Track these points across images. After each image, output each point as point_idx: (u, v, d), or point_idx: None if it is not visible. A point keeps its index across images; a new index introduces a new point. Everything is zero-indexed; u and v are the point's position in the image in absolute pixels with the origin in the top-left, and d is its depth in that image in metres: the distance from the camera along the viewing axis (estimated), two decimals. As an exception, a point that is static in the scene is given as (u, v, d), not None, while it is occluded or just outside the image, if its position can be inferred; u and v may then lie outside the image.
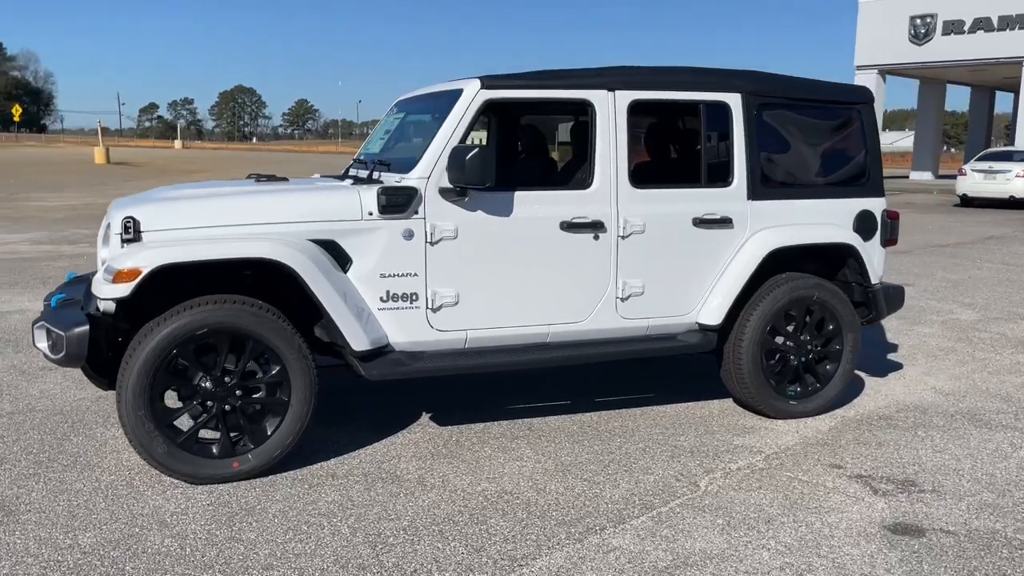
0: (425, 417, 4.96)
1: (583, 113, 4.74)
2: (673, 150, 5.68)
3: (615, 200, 4.61)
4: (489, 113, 4.71)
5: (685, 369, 6.13)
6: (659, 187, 4.76)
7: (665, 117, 5.59)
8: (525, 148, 5.72)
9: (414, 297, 4.30)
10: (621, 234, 4.62)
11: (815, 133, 5.20)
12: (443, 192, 4.26)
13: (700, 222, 4.77)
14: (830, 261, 5.37)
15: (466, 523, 3.57)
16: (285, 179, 4.85)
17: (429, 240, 4.27)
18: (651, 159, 5.50)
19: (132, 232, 3.90)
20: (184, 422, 3.95)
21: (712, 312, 4.86)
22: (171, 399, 3.94)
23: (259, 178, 4.83)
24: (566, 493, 3.91)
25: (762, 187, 4.93)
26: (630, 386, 5.71)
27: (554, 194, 4.59)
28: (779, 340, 5.06)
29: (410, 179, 4.29)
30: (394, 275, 4.25)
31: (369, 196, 4.18)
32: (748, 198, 4.89)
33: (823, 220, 5.11)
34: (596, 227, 4.56)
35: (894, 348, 7.03)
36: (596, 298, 4.64)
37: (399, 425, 4.81)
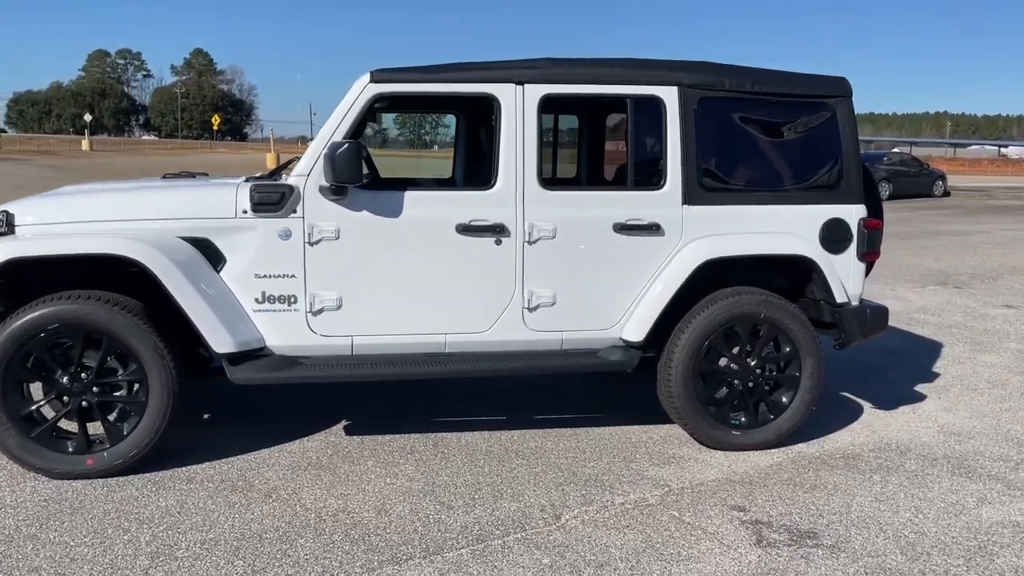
0: (336, 426, 4.78)
1: (487, 109, 4.41)
2: (593, 150, 5.23)
3: (520, 202, 4.26)
4: (385, 109, 4.50)
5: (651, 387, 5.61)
6: (574, 189, 4.37)
7: (585, 113, 5.17)
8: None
9: (292, 299, 4.14)
10: (527, 239, 4.26)
11: (775, 131, 4.61)
12: (323, 191, 4.08)
13: (623, 228, 4.32)
14: (798, 276, 4.75)
15: (271, 541, 3.35)
16: (192, 176, 4.83)
17: (308, 240, 4.10)
18: (566, 159, 5.06)
19: (5, 226, 3.97)
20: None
21: (635, 327, 4.39)
22: (38, 391, 3.97)
23: (167, 175, 4.82)
24: (407, 517, 3.61)
25: (702, 191, 4.41)
26: (583, 403, 5.28)
27: (451, 195, 4.30)
28: (721, 362, 4.50)
29: (290, 177, 4.14)
30: (270, 276, 4.11)
31: (244, 193, 4.06)
32: (683, 203, 4.39)
33: (779, 228, 4.51)
34: (497, 231, 4.23)
35: (933, 376, 6.17)
36: (499, 308, 4.30)
37: (301, 431, 4.66)
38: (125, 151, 60.07)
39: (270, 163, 43.12)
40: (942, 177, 30.32)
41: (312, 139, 4.29)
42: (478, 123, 5.51)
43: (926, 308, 8.87)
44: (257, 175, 4.62)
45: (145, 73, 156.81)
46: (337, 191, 4.07)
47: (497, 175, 4.26)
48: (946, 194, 30.02)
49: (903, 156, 31.85)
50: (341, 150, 3.93)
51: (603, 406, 5.25)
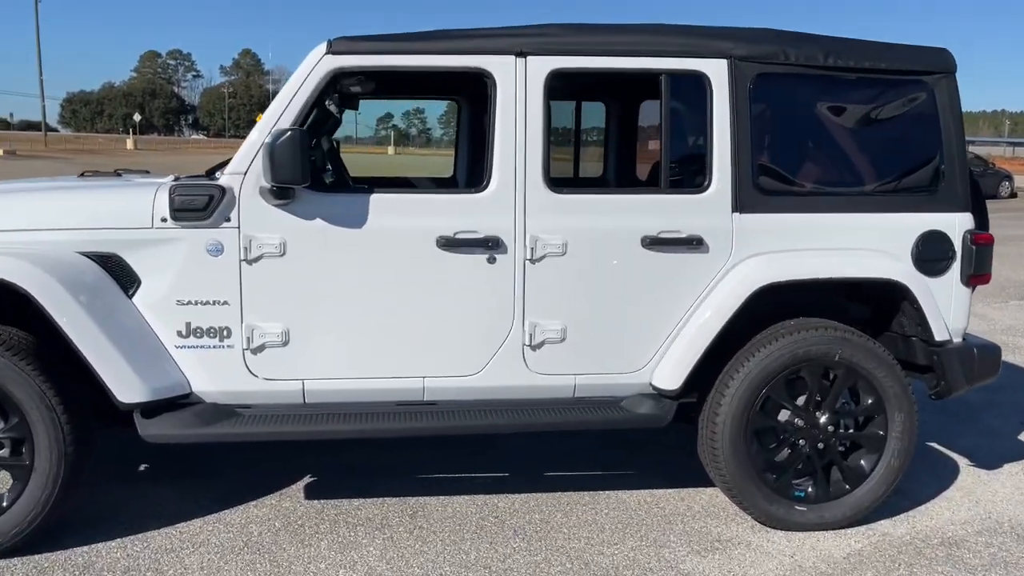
0: (295, 484, 3.85)
1: (479, 89, 3.44)
2: (618, 143, 4.22)
3: (521, 209, 3.29)
4: (345, 91, 3.57)
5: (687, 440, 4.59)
6: (591, 192, 3.39)
7: (605, 95, 4.16)
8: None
9: (225, 332, 3.22)
10: (530, 256, 3.29)
11: (854, 117, 3.57)
12: (264, 193, 3.16)
13: (655, 242, 3.33)
14: (883, 305, 3.70)
15: (155, 677, 2.42)
16: (118, 175, 3.94)
17: (245, 257, 3.18)
18: (586, 157, 4.07)
19: None
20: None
21: (670, 370, 3.38)
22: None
23: (86, 174, 3.94)
24: (353, 635, 2.66)
25: (757, 194, 3.39)
26: (604, 454, 4.29)
27: (431, 199, 3.34)
28: (781, 416, 3.47)
29: (222, 176, 3.22)
30: (197, 302, 3.20)
31: (163, 197, 3.16)
32: (734, 209, 3.38)
33: (858, 244, 3.47)
34: (491, 245, 3.26)
35: (1038, 424, 5.04)
36: (493, 344, 3.34)
37: (250, 491, 3.74)
38: (168, 150, 60.35)
39: (309, 162, 42.41)
40: (1009, 177, 28.46)
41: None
42: (476, 110, 4.56)
43: (1013, 328, 7.68)
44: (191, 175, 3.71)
45: (195, 74, 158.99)
46: (281, 194, 3.14)
47: (491, 174, 3.29)
48: (1012, 195, 28.20)
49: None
50: (282, 140, 3.00)
51: (628, 460, 4.25)
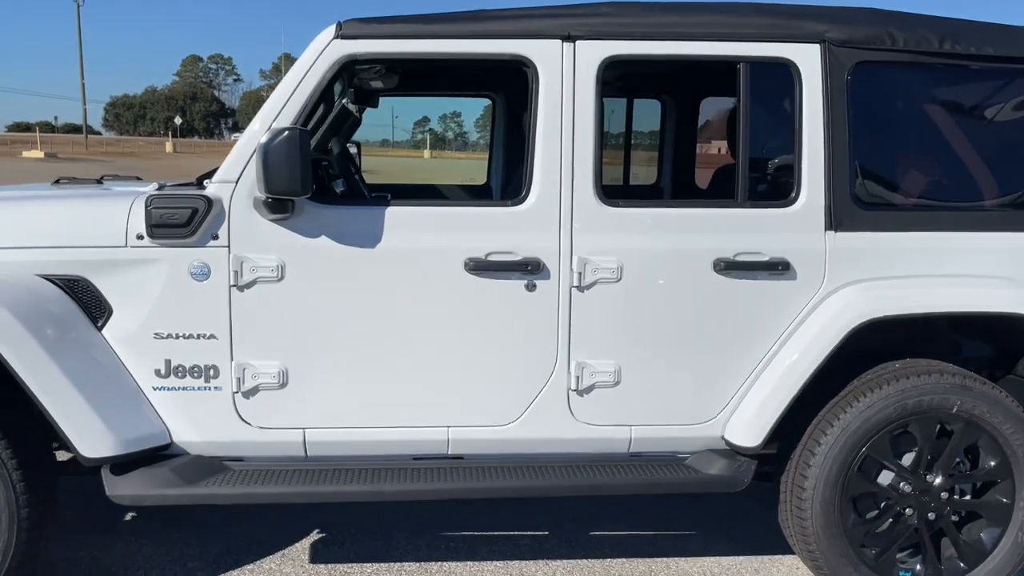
0: (296, 544, 3.31)
1: (518, 82, 2.87)
2: (674, 145, 3.63)
3: (567, 225, 2.71)
4: (362, 84, 3.03)
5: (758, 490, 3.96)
6: (651, 205, 2.80)
7: (663, 89, 3.55)
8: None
9: (211, 372, 2.69)
10: (577, 283, 2.71)
11: (976, 115, 2.95)
12: (259, 206, 2.62)
13: (730, 266, 2.73)
14: (1005, 343, 3.06)
15: None
16: (99, 182, 3.43)
17: (235, 282, 2.64)
18: (660, 155, 3.48)
19: None
20: None
21: (748, 423, 2.78)
22: None
23: (61, 180, 3.43)
24: None
25: (856, 208, 2.78)
26: (660, 514, 3.68)
27: (458, 213, 2.77)
28: (883, 480, 2.85)
29: (210, 185, 2.69)
30: (178, 336, 2.67)
31: (139, 210, 2.64)
32: (828, 227, 2.77)
33: (980, 269, 2.83)
34: (530, 269, 2.69)
35: None
36: (532, 388, 2.76)
37: (240, 554, 3.20)
38: (207, 153, 60.66)
39: (345, 166, 42.34)
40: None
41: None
42: (514, 107, 3.99)
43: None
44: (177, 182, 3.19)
45: (235, 78, 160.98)
46: (278, 207, 2.60)
47: (531, 183, 2.72)
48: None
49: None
50: (277, 141, 2.46)
51: (690, 518, 3.64)
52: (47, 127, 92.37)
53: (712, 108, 4.22)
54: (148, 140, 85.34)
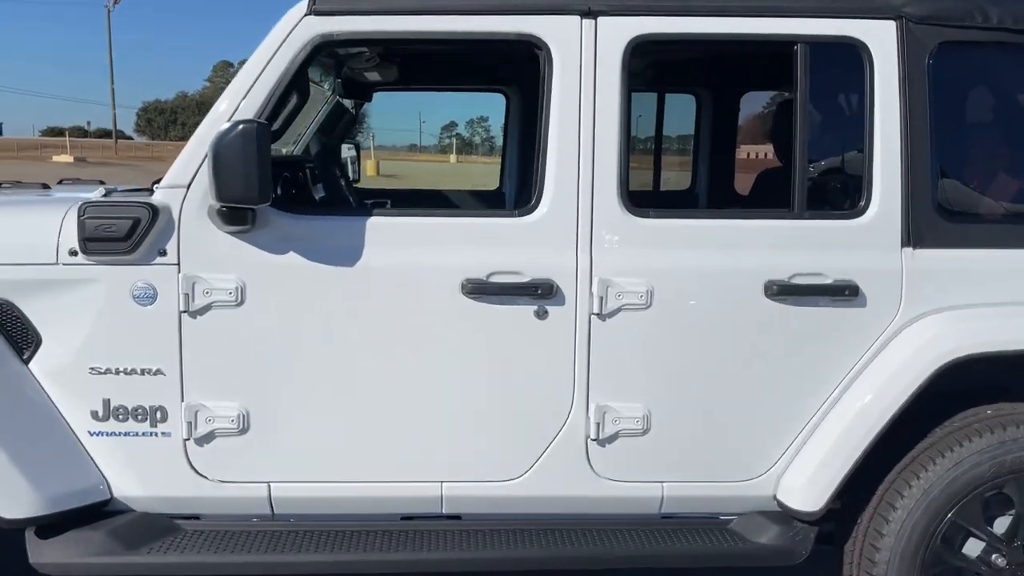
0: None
1: (528, 67, 2.40)
2: (710, 145, 3.14)
3: (586, 239, 2.24)
4: (348, 74, 2.58)
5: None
6: (689, 216, 2.32)
7: (698, 80, 3.07)
8: None
9: (158, 414, 2.25)
10: (598, 309, 2.23)
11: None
12: (214, 216, 2.18)
13: (785, 290, 2.23)
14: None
15: None
16: (46, 188, 3.01)
17: (186, 307, 2.20)
18: (695, 157, 3.00)
19: None
20: None
21: (808, 482, 2.28)
22: None
23: (2, 185, 3.02)
24: None
25: (940, 220, 2.27)
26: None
27: (457, 225, 2.30)
28: (971, 551, 2.33)
29: (157, 191, 2.25)
30: (118, 371, 2.23)
31: (72, 222, 2.20)
32: (905, 242, 2.26)
33: (1094, 295, 2.31)
34: (541, 293, 2.21)
35: None
36: (542, 436, 2.29)
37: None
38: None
39: (369, 170, 42.26)
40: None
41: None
42: (528, 101, 3.52)
43: None
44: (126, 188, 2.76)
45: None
46: (235, 217, 2.15)
47: (542, 188, 2.25)
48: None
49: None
50: (230, 138, 2.02)
51: None
52: (80, 132, 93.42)
53: (756, 102, 3.74)
54: (178, 144, 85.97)
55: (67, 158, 41.90)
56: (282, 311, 2.22)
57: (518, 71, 3.45)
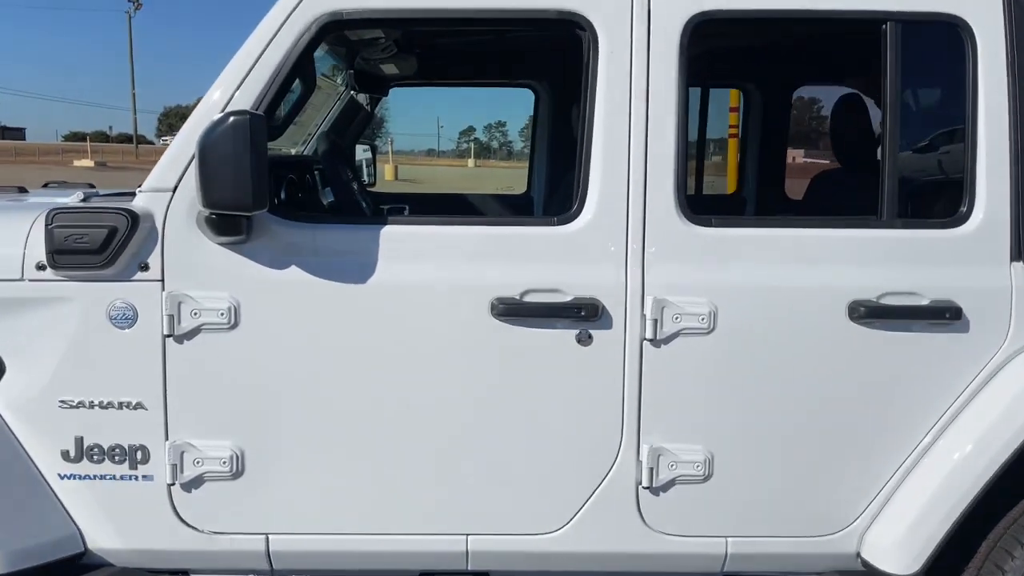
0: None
1: (566, 60, 2.08)
2: (759, 144, 2.83)
3: (637, 252, 1.91)
4: (362, 64, 2.26)
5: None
6: (758, 224, 1.97)
7: (763, 66, 2.74)
8: None
9: (139, 455, 1.93)
10: (651, 335, 1.89)
11: None
12: (203, 225, 1.86)
13: (873, 313, 1.89)
14: None
15: None
16: (23, 191, 2.71)
17: (171, 330, 1.88)
18: (741, 158, 2.69)
19: None
20: None
21: (903, 542, 1.93)
22: None
23: None
24: None
25: (1058, 228, 1.92)
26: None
27: (487, 235, 1.97)
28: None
29: (138, 195, 1.94)
30: (92, 405, 1.92)
31: (39, 231, 1.89)
32: (1015, 256, 1.92)
33: None
34: (584, 315, 1.88)
35: None
36: (585, 481, 1.96)
37: None
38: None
39: (387, 174, 42.11)
40: None
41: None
42: (561, 95, 3.20)
43: None
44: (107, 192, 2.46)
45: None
46: (228, 225, 1.84)
47: (586, 193, 1.92)
48: None
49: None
50: (219, 132, 1.71)
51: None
52: (102, 137, 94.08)
53: (810, 98, 3.39)
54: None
55: (88, 163, 42.10)
56: (283, 335, 1.90)
57: (549, 62, 3.13)
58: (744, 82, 3.42)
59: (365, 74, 2.87)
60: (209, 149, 1.70)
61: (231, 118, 1.70)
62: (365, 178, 3.66)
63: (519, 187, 4.26)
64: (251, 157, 1.70)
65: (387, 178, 41.20)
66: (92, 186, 2.91)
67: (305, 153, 3.09)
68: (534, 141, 3.64)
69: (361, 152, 3.64)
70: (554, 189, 3.35)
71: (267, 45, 1.88)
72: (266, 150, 1.74)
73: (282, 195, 2.35)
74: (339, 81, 3.03)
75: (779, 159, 3.44)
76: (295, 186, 2.42)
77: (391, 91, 3.45)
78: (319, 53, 2.81)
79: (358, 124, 3.23)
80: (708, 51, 2.93)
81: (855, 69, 3.04)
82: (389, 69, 2.88)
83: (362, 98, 3.25)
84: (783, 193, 3.45)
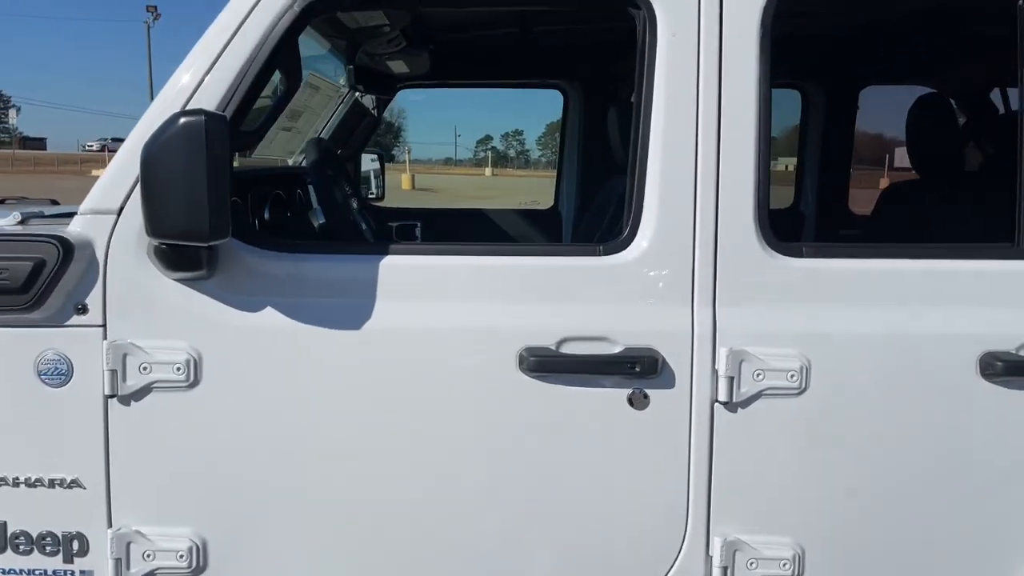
0: None
1: (601, 56, 1.68)
2: (840, 149, 2.42)
3: (706, 288, 1.49)
4: (363, 59, 1.85)
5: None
6: (863, 254, 1.54)
7: (830, 62, 2.35)
8: None
9: (75, 544, 1.54)
10: (726, 396, 1.47)
11: None
12: (154, 256, 1.46)
13: (1013, 369, 1.46)
14: None
15: None
16: None
17: (115, 389, 1.49)
18: (799, 168, 2.31)
19: None
20: None
21: (1042, 658, 1.50)
22: None
23: None
24: None
25: None
26: None
27: (507, 267, 1.56)
28: None
29: (76, 217, 1.55)
30: (18, 481, 1.53)
31: (-48, 263, 1.50)
32: None
33: None
34: (640, 370, 1.47)
35: None
36: (640, 580, 1.53)
37: None
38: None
39: (404, 184, 41.91)
40: None
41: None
42: (597, 95, 2.78)
43: None
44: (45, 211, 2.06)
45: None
46: (183, 258, 1.43)
47: (639, 214, 1.51)
48: None
49: None
50: (168, 138, 1.31)
51: None
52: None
53: (877, 101, 2.97)
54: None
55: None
56: (256, 396, 1.50)
57: (582, 57, 2.72)
58: (805, 80, 3.00)
59: (369, 72, 2.47)
60: (154, 162, 1.30)
61: (181, 120, 1.30)
62: (373, 191, 3.27)
63: (543, 199, 3.86)
64: (208, 171, 1.30)
65: (404, 187, 41.01)
66: (56, 202, 2.52)
67: (303, 164, 2.70)
68: (562, 149, 3.22)
69: (369, 162, 3.25)
70: (586, 203, 2.93)
71: (236, 31, 1.49)
72: (229, 161, 1.35)
73: (265, 216, 1.95)
74: (341, 82, 2.63)
75: (843, 169, 3.02)
76: (282, 205, 2.02)
77: (402, 94, 3.07)
78: (318, 50, 2.42)
79: (363, 130, 2.84)
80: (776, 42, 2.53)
81: (940, 64, 2.62)
82: (397, 66, 2.49)
83: (368, 101, 2.85)
84: (847, 208, 3.02)
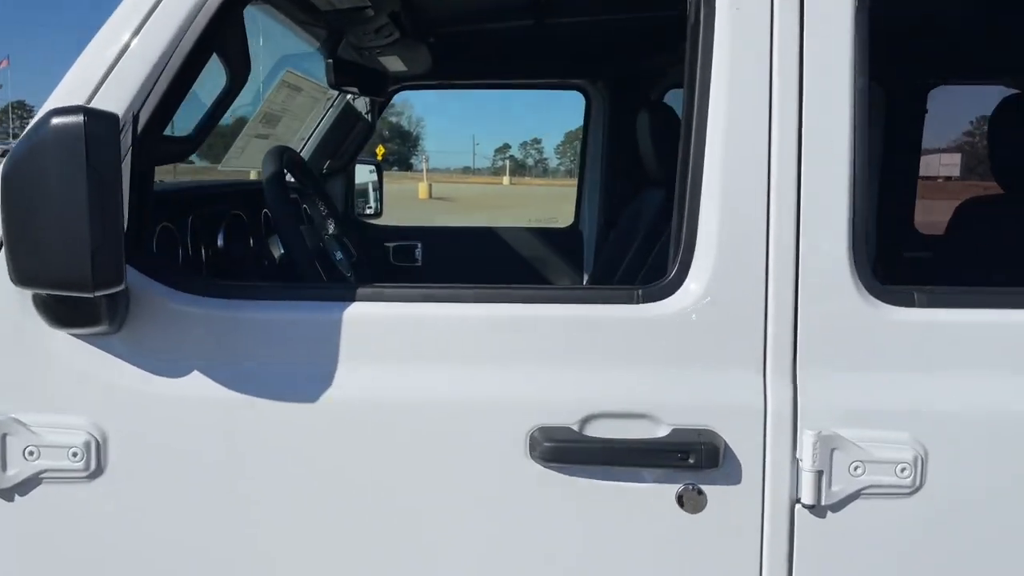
0: None
1: (632, 50, 1.33)
2: (905, 157, 2.11)
3: (785, 347, 1.09)
4: (329, 42, 1.49)
5: None
6: (992, 303, 1.14)
7: (895, 57, 1.98)
8: None
9: None
10: (812, 496, 1.08)
11: None
12: (41, 308, 1.08)
13: None
14: None
15: None
16: None
17: (-6, 482, 1.11)
18: (899, 185, 2.01)
19: None
20: None
21: None
22: None
23: None
24: None
25: None
26: None
27: (516, 318, 1.17)
28: None
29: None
30: None
31: None
32: None
33: None
34: (692, 461, 1.08)
35: None
36: None
37: None
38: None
39: (422, 193, 41.79)
40: None
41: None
42: (625, 97, 2.40)
43: None
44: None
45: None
46: (72, 311, 1.06)
47: (689, 247, 1.12)
48: None
49: None
50: (34, 145, 0.93)
51: None
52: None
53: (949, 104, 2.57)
54: (232, 170, 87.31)
55: (124, 182, 42.32)
56: (178, 490, 1.12)
57: (607, 53, 2.33)
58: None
59: (357, 68, 2.10)
60: (16, 180, 0.93)
61: (53, 121, 0.93)
62: (371, 205, 2.91)
63: (562, 214, 3.48)
64: (89, 193, 0.92)
65: (421, 196, 40.93)
66: None
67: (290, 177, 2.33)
68: (584, 160, 2.83)
69: (367, 173, 2.89)
70: (611, 222, 2.53)
71: (149, 13, 1.12)
72: (118, 179, 0.97)
73: (217, 246, 1.58)
74: (327, 82, 2.27)
75: (909, 180, 2.61)
76: (239, 231, 1.65)
77: (419, 99, 2.71)
78: (299, 45, 2.07)
79: (356, 138, 2.48)
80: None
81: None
82: (391, 63, 2.12)
83: (361, 104, 2.49)
84: (913, 228, 2.61)
